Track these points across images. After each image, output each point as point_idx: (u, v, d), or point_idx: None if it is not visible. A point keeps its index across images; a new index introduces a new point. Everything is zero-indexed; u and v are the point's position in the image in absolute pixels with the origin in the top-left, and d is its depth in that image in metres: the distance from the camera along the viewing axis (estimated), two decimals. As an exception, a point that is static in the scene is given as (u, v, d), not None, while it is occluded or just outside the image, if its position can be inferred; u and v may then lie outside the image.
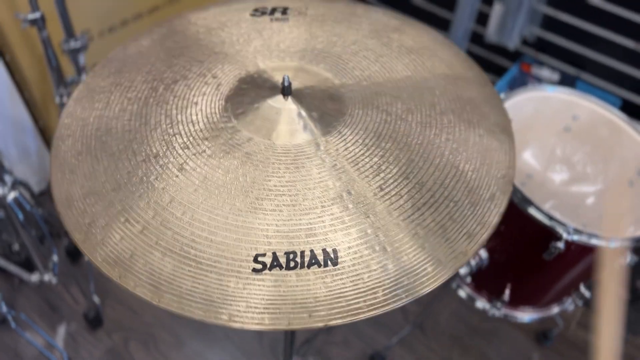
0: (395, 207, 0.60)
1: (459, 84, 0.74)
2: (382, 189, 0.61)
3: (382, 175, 0.62)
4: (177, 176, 0.61)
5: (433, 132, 0.67)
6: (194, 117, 0.67)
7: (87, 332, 1.40)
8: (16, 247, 1.40)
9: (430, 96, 0.71)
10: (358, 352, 1.42)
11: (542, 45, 1.73)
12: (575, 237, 0.92)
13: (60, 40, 1.23)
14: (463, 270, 1.12)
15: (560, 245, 0.92)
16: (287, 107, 0.67)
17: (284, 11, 0.83)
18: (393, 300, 0.55)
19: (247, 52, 0.75)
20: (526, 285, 1.11)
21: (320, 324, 0.53)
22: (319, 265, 0.56)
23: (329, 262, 0.56)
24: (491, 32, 1.70)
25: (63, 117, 0.70)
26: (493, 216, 0.62)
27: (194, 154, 0.63)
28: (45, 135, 1.64)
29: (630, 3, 1.47)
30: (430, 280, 0.56)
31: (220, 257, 0.56)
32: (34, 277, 1.34)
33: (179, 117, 0.67)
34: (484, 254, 1.10)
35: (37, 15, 1.14)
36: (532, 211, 0.94)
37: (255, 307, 0.53)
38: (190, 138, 0.64)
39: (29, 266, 1.38)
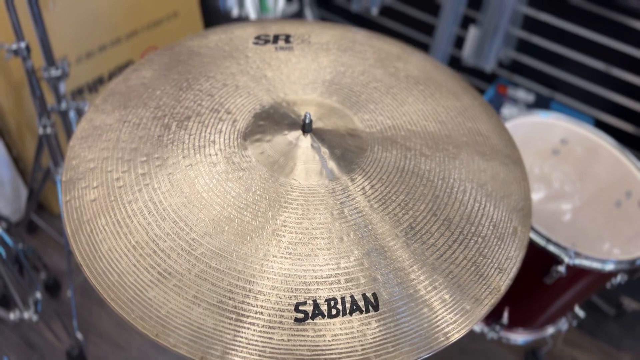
0: (427, 245, 0.60)
1: (467, 115, 0.76)
2: (412, 227, 0.61)
3: (410, 213, 0.62)
4: (204, 222, 0.59)
5: (452, 165, 0.68)
6: (214, 158, 0.65)
7: (70, 371, 1.34)
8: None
9: (443, 129, 0.72)
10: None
11: (517, 68, 1.79)
12: (577, 261, 0.95)
13: (40, 68, 1.18)
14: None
15: (562, 269, 0.95)
16: (309, 145, 0.66)
17: (287, 39, 0.82)
18: (437, 342, 0.55)
19: (258, 85, 0.74)
20: (524, 307, 1.14)
21: (372, 373, 0.53)
22: (361, 312, 0.56)
23: (370, 308, 0.56)
24: (467, 55, 1.76)
25: (69, 159, 0.66)
26: (519, 249, 0.63)
27: (219, 197, 0.61)
28: (19, 165, 1.56)
29: (601, 28, 1.55)
30: (468, 320, 0.57)
31: (260, 307, 0.55)
32: (13, 316, 1.26)
33: (198, 157, 0.65)
34: None
35: (22, 45, 1.08)
36: (532, 236, 0.97)
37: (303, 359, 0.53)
38: (214, 180, 0.62)
39: (5, 304, 1.30)
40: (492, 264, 0.61)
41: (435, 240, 0.61)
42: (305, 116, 0.65)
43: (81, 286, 1.52)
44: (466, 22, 1.84)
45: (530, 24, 1.79)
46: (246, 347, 0.53)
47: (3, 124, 1.47)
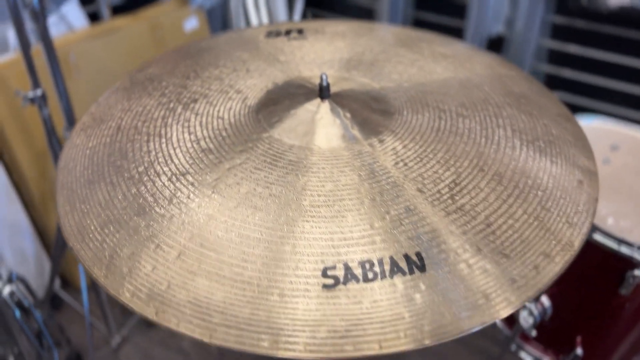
0: (477, 200, 0.50)
1: (504, 81, 0.68)
2: (456, 184, 0.52)
3: (452, 169, 0.53)
4: (212, 191, 0.51)
5: (495, 124, 0.59)
6: (223, 133, 0.58)
7: None
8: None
9: (479, 92, 0.64)
10: None
11: (551, 81, 1.73)
12: (658, 262, 0.81)
13: (62, 129, 1.16)
14: (527, 322, 0.97)
15: (639, 273, 0.81)
16: (328, 110, 0.58)
17: (300, 31, 0.77)
18: (504, 306, 0.44)
19: (270, 67, 0.68)
20: (601, 332, 0.96)
21: (427, 342, 0.41)
22: (404, 274, 0.45)
23: (415, 269, 0.45)
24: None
25: (66, 149, 0.60)
26: (588, 203, 0.53)
27: (230, 168, 0.53)
28: (44, 238, 1.52)
29: (635, 51, 1.48)
30: (539, 278, 0.46)
31: (281, 275, 0.45)
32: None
33: (205, 132, 0.58)
34: (546, 301, 0.96)
35: (38, 92, 1.07)
36: (599, 238, 0.83)
37: (336, 331, 0.42)
38: (222, 152, 0.55)
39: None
40: (558, 218, 0.50)
41: (485, 195, 0.51)
42: (322, 79, 0.58)
43: (102, 361, 1.42)
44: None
45: (557, 58, 1.74)
46: (265, 321, 0.42)
47: (27, 196, 1.45)
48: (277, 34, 0.76)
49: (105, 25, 1.57)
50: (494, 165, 0.54)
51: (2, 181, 1.39)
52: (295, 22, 0.82)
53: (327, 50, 0.71)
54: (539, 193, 0.52)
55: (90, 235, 0.49)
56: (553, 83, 1.74)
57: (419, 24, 1.94)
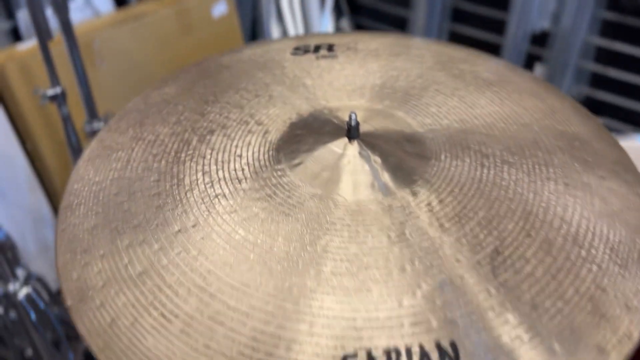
0: (522, 276, 0.44)
1: (557, 117, 0.61)
2: (499, 252, 0.45)
3: (495, 233, 0.47)
4: (224, 249, 0.46)
5: (545, 175, 0.52)
6: (240, 174, 0.52)
7: None
8: (29, 352, 1.22)
9: (528, 133, 0.57)
10: None
11: (592, 105, 1.63)
12: None
13: (83, 123, 1.12)
14: None
15: None
16: (356, 153, 0.52)
17: (330, 48, 0.70)
18: (549, 413, 0.38)
19: (295, 94, 0.62)
20: None
21: None
22: (435, 367, 0.39)
23: (448, 361, 0.40)
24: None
25: (71, 182, 0.56)
26: (651, 281, 0.46)
27: (245, 220, 0.48)
28: None
29: None
30: (592, 379, 0.40)
31: (295, 361, 0.40)
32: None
33: (220, 173, 0.52)
34: None
35: (57, 90, 1.03)
36: None
37: None
38: (238, 199, 0.50)
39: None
40: (615, 300, 0.44)
41: (532, 268, 0.45)
42: (350, 118, 0.52)
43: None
44: (531, 60, 1.72)
45: (604, 56, 1.64)
46: (274, 418, 0.38)
47: (50, 185, 1.43)
48: (306, 50, 0.70)
49: (131, 10, 1.52)
50: (543, 230, 0.47)
51: (25, 170, 1.38)
52: (327, 33, 0.75)
53: (358, 74, 0.65)
54: (594, 267, 0.45)
55: (90, 293, 0.45)
56: (598, 83, 1.64)
57: (459, 13, 1.84)
